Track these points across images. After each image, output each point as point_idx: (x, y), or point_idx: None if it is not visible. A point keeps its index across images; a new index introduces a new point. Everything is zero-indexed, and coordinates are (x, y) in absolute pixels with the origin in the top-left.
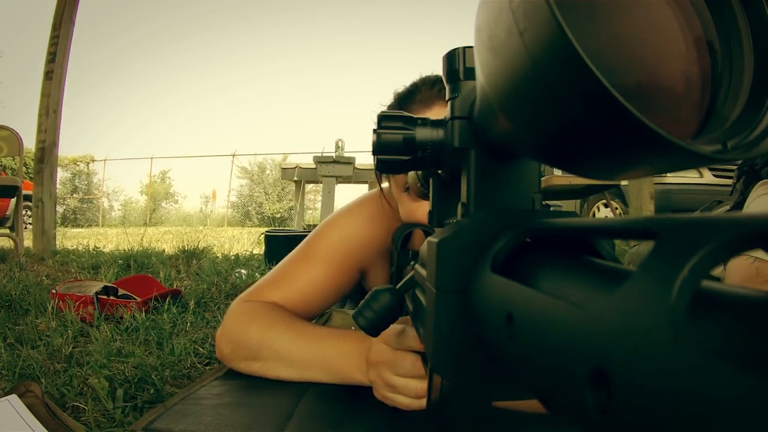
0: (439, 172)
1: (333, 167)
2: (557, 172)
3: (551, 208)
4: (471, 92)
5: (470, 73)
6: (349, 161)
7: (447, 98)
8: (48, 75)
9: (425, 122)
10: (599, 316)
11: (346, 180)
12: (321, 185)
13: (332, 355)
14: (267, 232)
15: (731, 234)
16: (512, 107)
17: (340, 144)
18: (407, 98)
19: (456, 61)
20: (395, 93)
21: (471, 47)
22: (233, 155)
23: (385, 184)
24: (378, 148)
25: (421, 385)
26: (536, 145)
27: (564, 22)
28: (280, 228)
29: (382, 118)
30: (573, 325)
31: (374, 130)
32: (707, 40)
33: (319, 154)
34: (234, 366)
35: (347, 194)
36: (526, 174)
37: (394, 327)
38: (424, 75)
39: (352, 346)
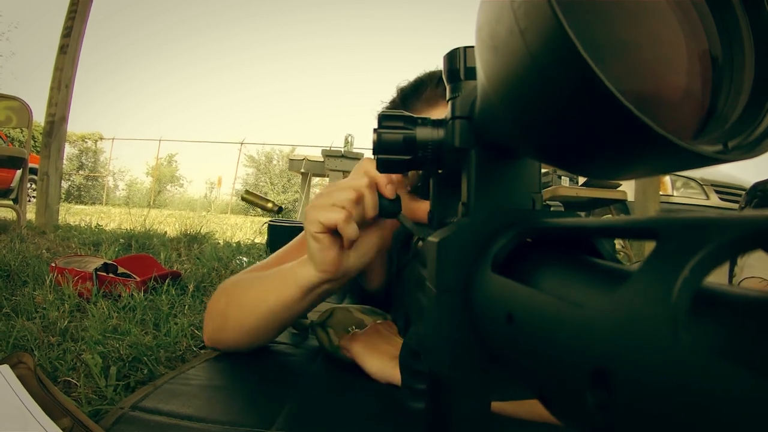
0: (440, 171)
1: (341, 162)
2: (564, 182)
3: (552, 209)
4: (472, 92)
5: (471, 73)
6: (357, 157)
7: (448, 98)
8: (63, 49)
9: (426, 122)
10: (600, 316)
11: None
12: (327, 179)
13: (277, 281)
14: (270, 221)
15: (732, 234)
16: (513, 106)
17: (349, 139)
18: (412, 95)
19: (457, 61)
20: (399, 88)
21: (472, 47)
22: (241, 143)
23: None
24: (378, 148)
25: (360, 189)
26: (537, 144)
27: (565, 21)
28: (284, 219)
29: (383, 118)
30: (573, 325)
31: (375, 130)
32: (709, 44)
33: (328, 148)
34: (216, 343)
35: None
36: (526, 174)
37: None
38: (428, 71)
39: (291, 264)
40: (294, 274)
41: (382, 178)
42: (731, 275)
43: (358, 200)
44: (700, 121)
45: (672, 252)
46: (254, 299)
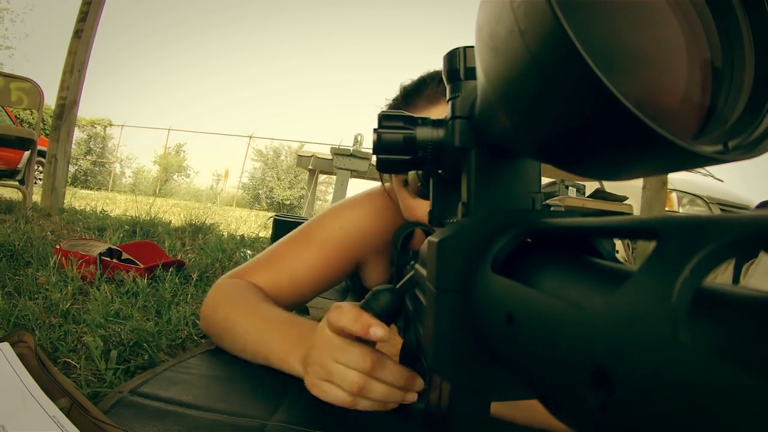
0: (440, 171)
1: (349, 160)
2: (571, 192)
3: (552, 209)
4: (472, 92)
5: (471, 73)
6: (366, 157)
7: (448, 98)
8: (77, 33)
9: (426, 122)
10: (600, 316)
11: (361, 175)
12: (335, 177)
13: (276, 342)
14: (276, 216)
15: (733, 234)
16: (513, 106)
17: (359, 138)
18: (414, 93)
19: (457, 61)
20: (402, 86)
21: (471, 47)
22: (250, 137)
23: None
24: (378, 148)
25: (360, 382)
26: (537, 144)
27: (565, 22)
28: (289, 214)
29: (383, 118)
30: (573, 325)
31: (375, 130)
32: (710, 45)
33: (337, 146)
34: (212, 340)
35: (359, 189)
36: (526, 174)
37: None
38: (431, 71)
39: (297, 333)
40: (281, 359)
41: (383, 333)
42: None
43: (364, 386)
44: (700, 121)
45: (672, 252)
46: (255, 354)
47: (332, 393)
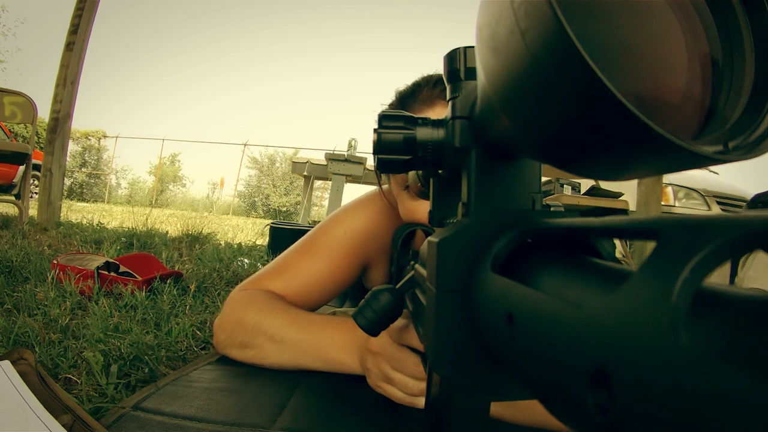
0: (440, 171)
1: (344, 165)
2: (566, 190)
3: (551, 209)
4: (472, 92)
5: (471, 73)
6: (360, 161)
7: (448, 98)
8: (69, 46)
9: (426, 122)
10: (600, 316)
11: (356, 180)
12: (330, 182)
13: (325, 342)
14: (273, 223)
15: (733, 234)
16: (513, 107)
17: (353, 143)
18: (409, 97)
19: (457, 61)
20: (397, 91)
21: (472, 47)
22: (245, 144)
23: (385, 185)
24: (378, 148)
25: (419, 386)
26: (537, 144)
27: (566, 22)
28: (286, 221)
29: (383, 118)
30: (573, 325)
31: (375, 130)
32: (709, 45)
33: (331, 152)
34: (228, 353)
35: (355, 194)
36: (526, 174)
37: (398, 321)
38: (426, 74)
39: (345, 333)
40: (334, 358)
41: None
42: (732, 284)
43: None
44: (700, 121)
45: (672, 252)
46: (300, 355)
47: (395, 394)
